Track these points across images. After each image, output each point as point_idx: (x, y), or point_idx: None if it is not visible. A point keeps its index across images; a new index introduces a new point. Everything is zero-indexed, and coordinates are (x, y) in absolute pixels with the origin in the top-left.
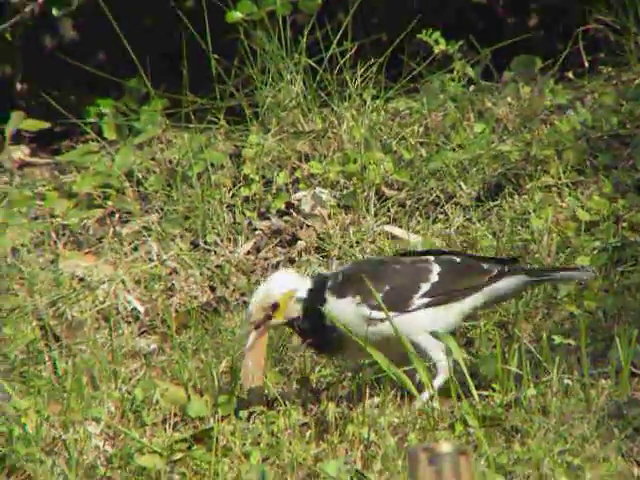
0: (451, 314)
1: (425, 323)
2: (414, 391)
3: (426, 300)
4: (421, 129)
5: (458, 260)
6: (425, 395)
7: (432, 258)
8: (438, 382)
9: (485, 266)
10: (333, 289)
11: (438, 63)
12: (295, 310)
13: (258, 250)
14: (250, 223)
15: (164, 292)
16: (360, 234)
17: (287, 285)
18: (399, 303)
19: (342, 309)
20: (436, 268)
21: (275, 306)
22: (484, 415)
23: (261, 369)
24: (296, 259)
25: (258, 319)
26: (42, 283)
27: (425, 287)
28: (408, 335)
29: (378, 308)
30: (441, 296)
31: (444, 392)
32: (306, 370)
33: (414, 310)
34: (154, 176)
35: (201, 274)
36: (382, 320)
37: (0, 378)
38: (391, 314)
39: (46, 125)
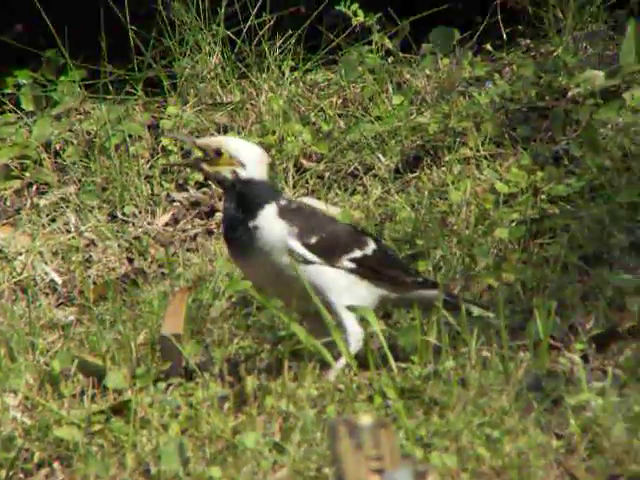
0: (368, 292)
1: (343, 285)
2: (332, 363)
3: (352, 265)
4: (339, 101)
5: (392, 254)
6: (340, 363)
7: (373, 238)
8: (351, 350)
9: (412, 271)
10: (280, 207)
11: (356, 35)
12: (225, 177)
13: (176, 222)
14: (168, 195)
15: (82, 264)
16: None
17: (243, 154)
18: (328, 254)
19: (274, 229)
20: (373, 245)
21: (217, 153)
22: (403, 387)
23: (179, 339)
24: (214, 231)
25: (197, 146)
26: None
27: (357, 253)
28: (323, 289)
29: (308, 249)
30: (366, 270)
31: (362, 364)
32: (224, 342)
33: (338, 268)
34: (72, 147)
35: (119, 246)
36: (305, 262)
37: None
38: (316, 259)
39: None
